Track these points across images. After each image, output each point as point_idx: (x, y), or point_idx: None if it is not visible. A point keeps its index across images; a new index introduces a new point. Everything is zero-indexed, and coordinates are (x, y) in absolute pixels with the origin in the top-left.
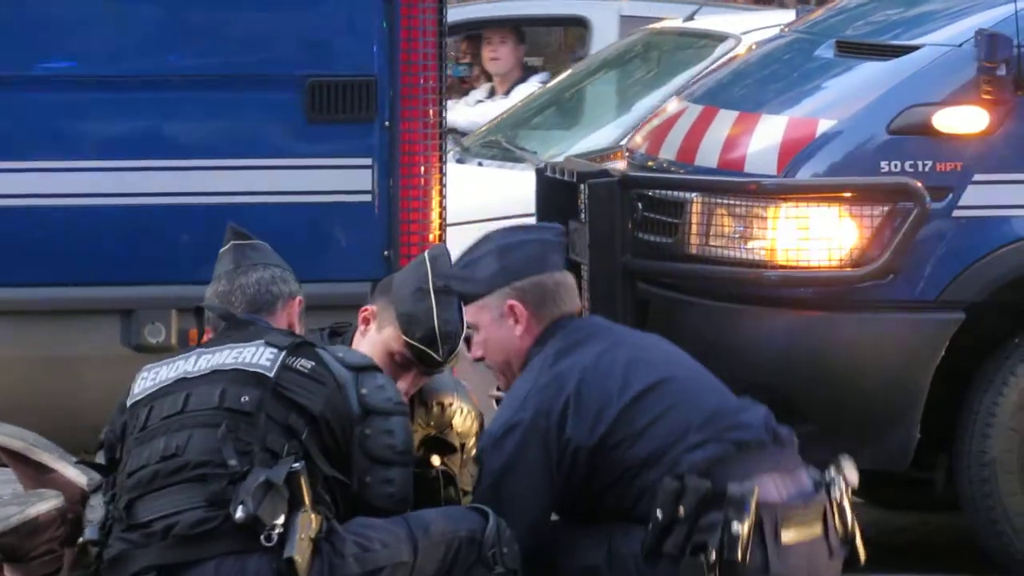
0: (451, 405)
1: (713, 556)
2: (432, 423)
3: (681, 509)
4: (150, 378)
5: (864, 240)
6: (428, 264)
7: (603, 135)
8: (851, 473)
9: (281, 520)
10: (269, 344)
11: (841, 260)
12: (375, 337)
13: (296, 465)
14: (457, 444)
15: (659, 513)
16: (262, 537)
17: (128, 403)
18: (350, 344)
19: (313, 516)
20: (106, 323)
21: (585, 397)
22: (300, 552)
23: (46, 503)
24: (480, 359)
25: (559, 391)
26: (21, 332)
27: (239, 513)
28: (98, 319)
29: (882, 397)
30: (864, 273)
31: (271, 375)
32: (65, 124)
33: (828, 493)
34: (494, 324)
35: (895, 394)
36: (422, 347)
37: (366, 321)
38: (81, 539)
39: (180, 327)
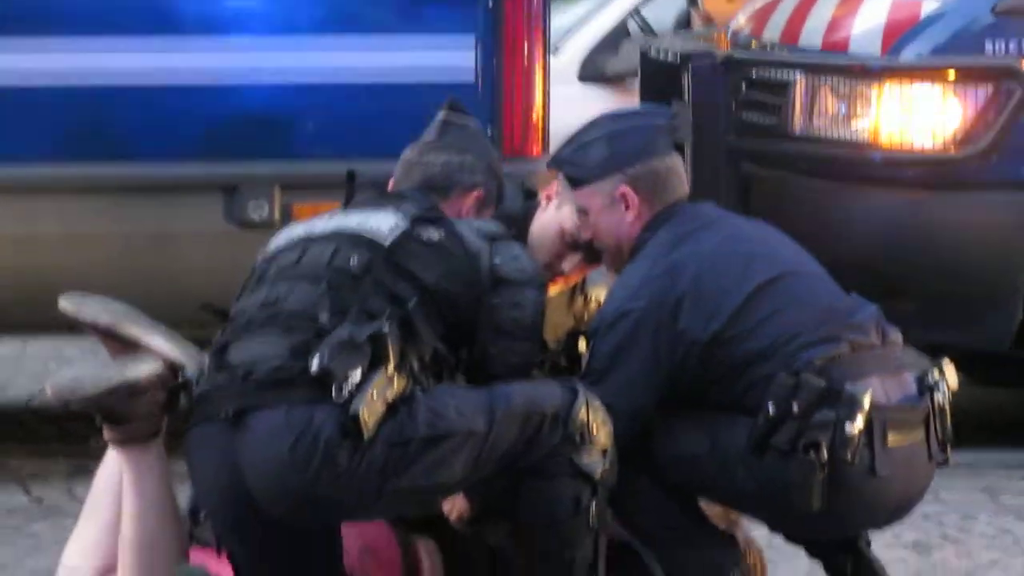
0: (591, 302)
1: (825, 455)
2: (586, 316)
3: (795, 405)
4: (283, 236)
5: (968, 121)
6: None
7: None
8: (952, 377)
9: (357, 378)
10: (398, 211)
11: (945, 140)
12: (551, 214)
13: (384, 327)
14: None
15: (771, 408)
16: (333, 390)
17: (258, 259)
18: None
19: (397, 379)
20: (209, 199)
21: (701, 289)
22: (367, 409)
23: (147, 366)
24: (588, 241)
25: (674, 281)
26: (125, 209)
27: (314, 365)
28: (201, 195)
29: (985, 277)
30: (968, 154)
31: (387, 242)
32: (169, 3)
33: (931, 397)
34: (605, 209)
35: (998, 274)
36: None
37: (548, 198)
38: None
39: (283, 203)
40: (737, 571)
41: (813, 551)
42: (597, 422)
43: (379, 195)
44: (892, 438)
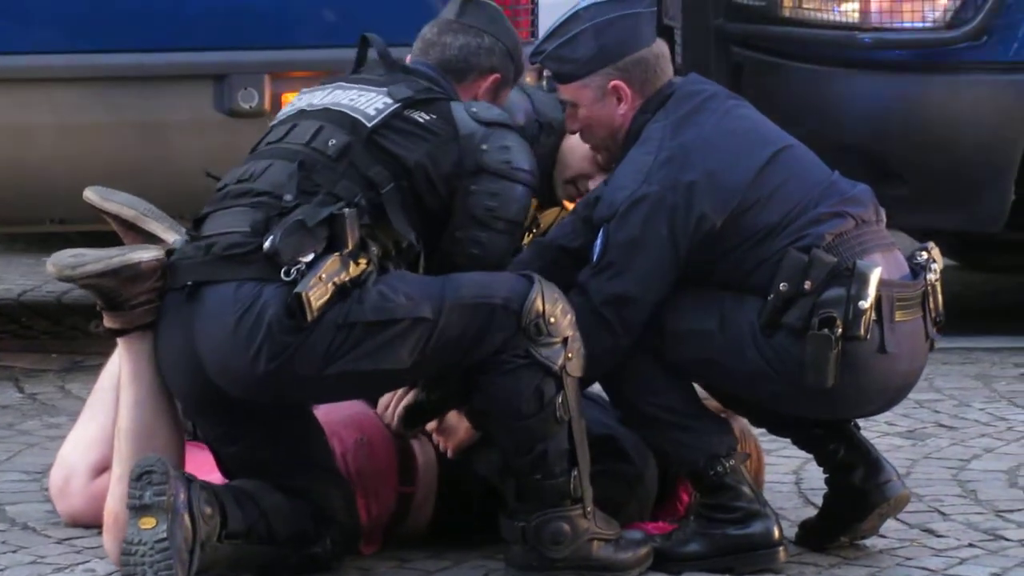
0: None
1: (840, 330)
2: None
3: (807, 283)
4: (288, 106)
5: (958, 1)
6: None
7: None
8: (939, 257)
9: (309, 259)
10: (390, 95)
11: (935, 21)
12: None
13: (342, 210)
14: None
15: (783, 285)
16: (282, 271)
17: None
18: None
19: (353, 264)
20: (199, 88)
21: (712, 171)
22: (313, 291)
23: (148, 252)
24: (575, 132)
25: (684, 164)
26: (115, 99)
27: (266, 244)
28: (191, 84)
29: (977, 159)
30: (958, 34)
31: (370, 124)
32: None
33: (925, 277)
34: (596, 103)
35: (990, 155)
36: None
37: None
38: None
39: (273, 92)
40: (732, 458)
41: (803, 442)
42: (556, 312)
43: (386, 71)
44: (899, 315)
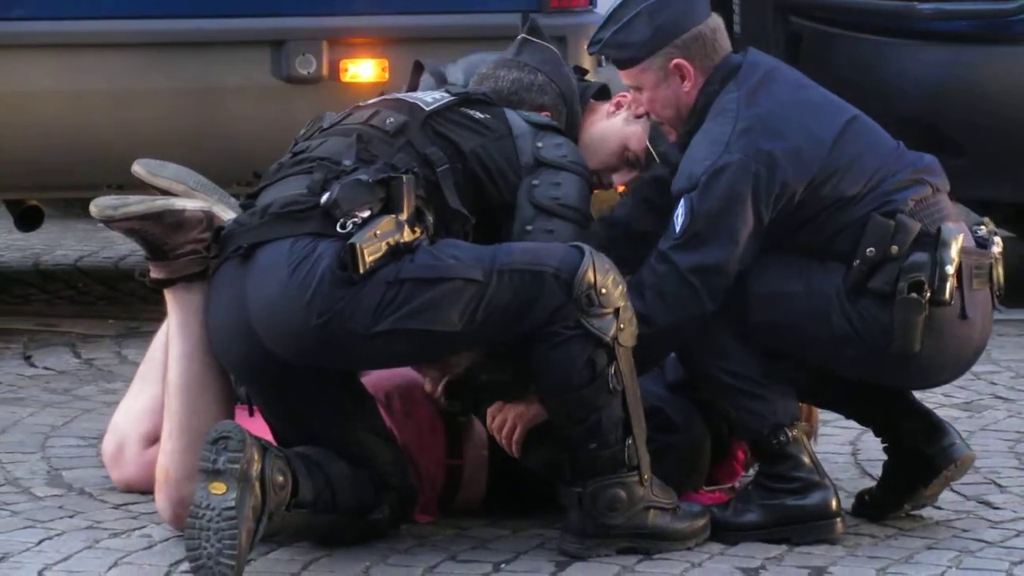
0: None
1: (928, 295)
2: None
3: (894, 247)
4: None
5: None
6: None
7: None
8: (996, 232)
9: (364, 215)
10: (447, 91)
11: None
12: (620, 125)
13: (401, 175)
14: None
15: (870, 251)
16: (338, 224)
17: None
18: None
19: (407, 227)
20: (257, 54)
21: (793, 139)
22: (367, 245)
23: (193, 202)
24: (641, 116)
25: (764, 133)
26: (173, 64)
27: (324, 198)
28: (249, 50)
29: None
30: (1018, 5)
31: (427, 108)
32: None
33: (991, 248)
34: (660, 84)
35: None
36: (659, 160)
37: (619, 106)
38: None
39: (331, 58)
40: (796, 427)
41: (860, 415)
42: (607, 282)
43: (439, 84)
44: (975, 283)
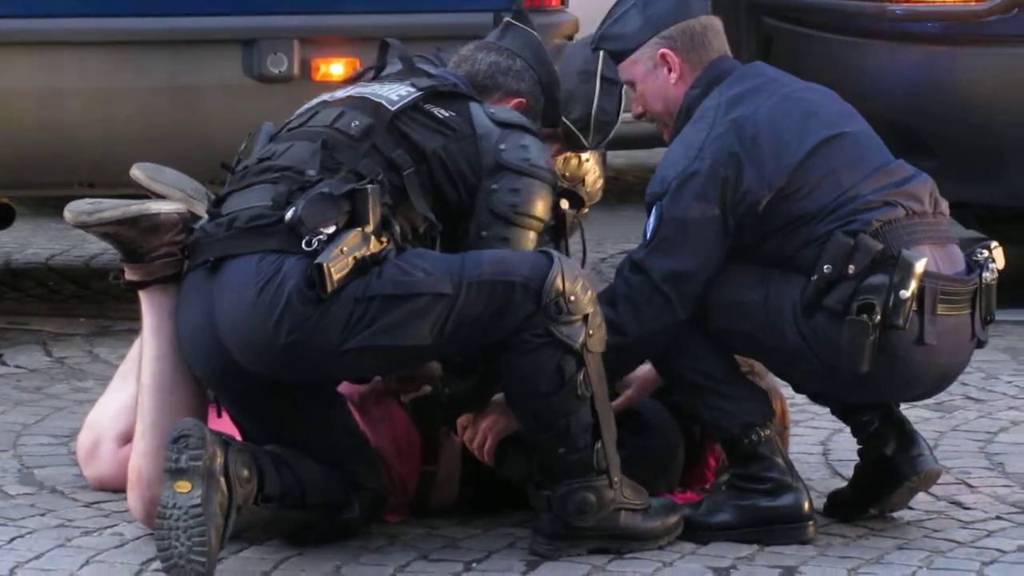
0: (587, 161)
1: (878, 317)
2: (567, 173)
3: (851, 267)
4: (308, 103)
5: None
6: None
7: None
8: (1000, 257)
9: (330, 230)
10: (413, 85)
11: None
12: None
13: (366, 186)
14: (585, 200)
15: (827, 268)
16: (303, 242)
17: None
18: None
19: (374, 241)
20: (229, 53)
21: (763, 148)
22: (333, 263)
23: (168, 204)
24: (641, 115)
25: (736, 140)
26: (145, 62)
27: (288, 214)
28: (220, 49)
29: (1009, 132)
30: (989, 7)
31: (392, 108)
32: None
33: (980, 275)
34: (648, 76)
35: (1019, 129)
36: (574, 128)
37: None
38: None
39: (303, 57)
40: (768, 427)
41: (839, 413)
42: (576, 289)
43: (407, 70)
44: (941, 309)
